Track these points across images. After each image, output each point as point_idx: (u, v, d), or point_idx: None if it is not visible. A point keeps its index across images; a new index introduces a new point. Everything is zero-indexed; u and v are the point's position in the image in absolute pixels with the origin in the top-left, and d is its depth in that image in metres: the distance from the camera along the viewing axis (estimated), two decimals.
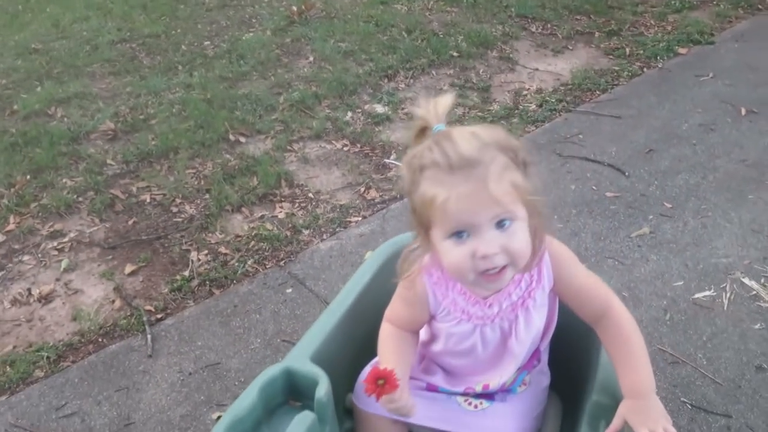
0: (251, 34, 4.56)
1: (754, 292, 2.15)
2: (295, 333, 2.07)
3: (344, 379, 1.33)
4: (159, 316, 2.18)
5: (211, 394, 1.87)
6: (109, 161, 3.04)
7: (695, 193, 2.68)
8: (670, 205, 2.61)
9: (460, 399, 1.27)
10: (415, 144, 1.07)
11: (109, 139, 3.24)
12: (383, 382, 1.04)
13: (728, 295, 2.14)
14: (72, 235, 2.58)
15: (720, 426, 1.72)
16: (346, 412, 1.38)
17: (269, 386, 1.18)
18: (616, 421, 1.08)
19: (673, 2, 4.88)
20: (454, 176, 0.97)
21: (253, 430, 1.15)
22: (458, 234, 0.99)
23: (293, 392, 1.21)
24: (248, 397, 1.14)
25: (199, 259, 2.43)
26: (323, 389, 1.15)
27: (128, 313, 2.19)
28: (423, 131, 1.07)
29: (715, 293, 2.16)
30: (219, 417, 1.78)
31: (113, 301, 2.26)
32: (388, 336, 1.25)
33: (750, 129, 3.16)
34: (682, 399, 1.80)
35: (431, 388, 1.30)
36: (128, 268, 2.40)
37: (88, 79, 3.87)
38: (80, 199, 2.78)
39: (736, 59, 3.94)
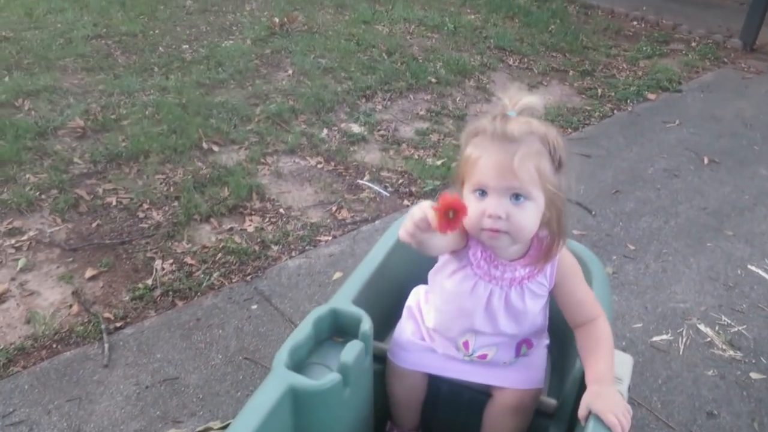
0: (231, 41, 4.54)
1: (709, 339, 2.22)
2: (257, 351, 2.04)
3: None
4: (118, 324, 2.12)
5: (167, 410, 1.83)
6: (75, 160, 2.97)
7: (657, 237, 2.76)
8: (633, 247, 2.68)
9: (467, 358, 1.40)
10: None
11: (78, 136, 3.16)
12: (453, 214, 1.05)
13: (684, 340, 2.21)
14: (31, 233, 2.50)
15: None
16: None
17: (319, 322, 1.33)
18: (582, 410, 1.16)
19: (644, 48, 5.06)
20: (493, 144, 1.15)
21: (307, 356, 1.31)
22: (480, 191, 1.17)
23: (337, 330, 1.37)
24: (305, 329, 1.30)
25: (163, 268, 2.38)
26: (367, 325, 1.31)
27: (86, 320, 2.13)
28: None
29: (672, 337, 2.21)
30: None
31: (71, 306, 2.19)
32: None
33: (711, 178, 3.28)
34: None
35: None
36: (89, 273, 2.33)
37: (59, 73, 3.79)
38: (43, 196, 2.70)
39: (702, 108, 4.09)
